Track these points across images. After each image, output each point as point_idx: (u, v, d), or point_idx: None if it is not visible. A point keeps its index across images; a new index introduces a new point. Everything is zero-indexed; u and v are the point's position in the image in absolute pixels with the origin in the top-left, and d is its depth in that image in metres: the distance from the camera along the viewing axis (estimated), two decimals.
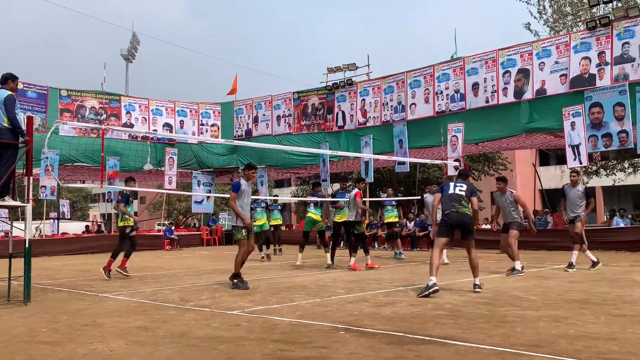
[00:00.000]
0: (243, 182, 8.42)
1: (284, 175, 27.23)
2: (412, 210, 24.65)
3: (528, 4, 20.44)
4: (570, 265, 10.04)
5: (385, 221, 15.75)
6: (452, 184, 7.76)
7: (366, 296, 7.02)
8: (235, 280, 8.18)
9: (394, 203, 15.79)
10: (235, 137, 21.80)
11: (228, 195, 9.31)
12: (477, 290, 7.20)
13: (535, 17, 20.46)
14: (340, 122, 19.56)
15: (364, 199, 12.69)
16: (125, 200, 10.66)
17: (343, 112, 19.54)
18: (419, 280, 8.75)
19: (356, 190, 11.32)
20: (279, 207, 16.61)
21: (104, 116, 20.15)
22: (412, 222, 18.58)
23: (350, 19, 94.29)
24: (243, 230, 8.19)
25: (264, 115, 21.51)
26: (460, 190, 7.60)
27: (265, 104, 21.54)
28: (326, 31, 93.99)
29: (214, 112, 22.39)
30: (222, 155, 22.18)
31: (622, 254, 13.36)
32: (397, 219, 15.58)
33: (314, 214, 13.14)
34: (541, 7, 20.22)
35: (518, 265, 9.45)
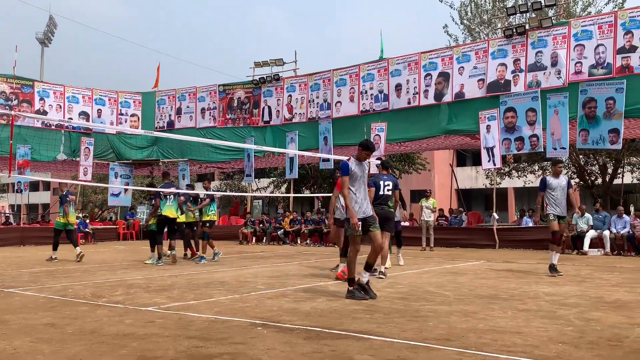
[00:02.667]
0: (354, 162, 6.55)
1: (208, 170, 26.80)
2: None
3: (451, 7, 21.14)
4: (553, 269, 8.64)
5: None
6: (382, 184, 8.16)
7: (286, 292, 7.02)
8: (351, 288, 6.34)
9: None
10: (156, 128, 21.18)
11: (145, 189, 8.98)
12: (381, 276, 8.12)
13: (455, 22, 21.19)
14: (266, 117, 19.48)
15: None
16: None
17: (269, 107, 19.48)
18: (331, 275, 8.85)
19: None
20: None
21: (15, 102, 19.00)
22: None
23: (278, 13, 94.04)
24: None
25: (187, 107, 21.04)
26: (388, 190, 8.20)
27: (189, 95, 21.08)
28: (254, 25, 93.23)
29: (134, 102, 21.65)
30: (141, 147, 21.48)
31: (529, 252, 14.13)
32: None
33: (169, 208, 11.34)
34: (462, 12, 20.95)
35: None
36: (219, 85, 20.56)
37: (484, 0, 20.49)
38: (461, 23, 20.94)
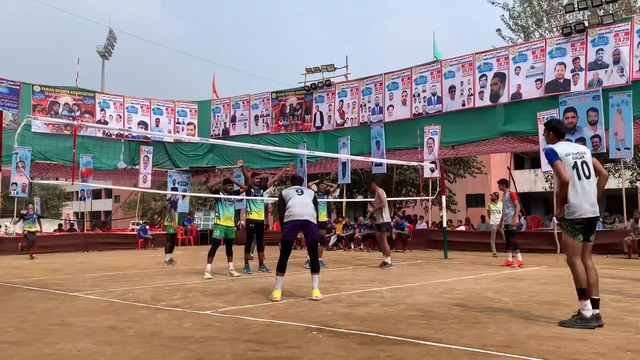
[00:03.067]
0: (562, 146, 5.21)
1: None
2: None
3: (504, 9, 20.63)
4: None
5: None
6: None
7: (340, 297, 7.00)
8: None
9: (325, 199, 12.81)
10: (212, 136, 21.65)
11: (204, 195, 9.04)
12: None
13: (506, 23, 20.64)
14: (318, 123, 19.57)
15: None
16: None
17: (321, 113, 19.56)
18: (394, 281, 8.77)
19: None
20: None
21: (78, 113, 19.84)
22: None
23: (328, 19, 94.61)
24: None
25: (241, 114, 21.40)
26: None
27: (243, 103, 21.43)
28: (304, 32, 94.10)
29: (190, 111, 22.20)
30: (198, 154, 21.98)
31: (595, 257, 13.56)
32: (326, 218, 13.16)
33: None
34: (515, 13, 20.41)
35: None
36: (272, 93, 20.81)
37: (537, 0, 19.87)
38: (514, 25, 20.38)
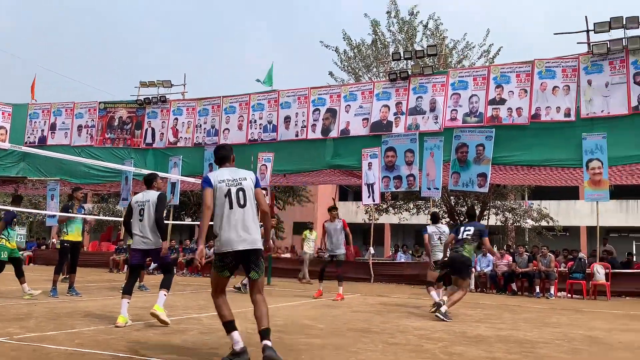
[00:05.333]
0: None
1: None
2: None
3: (336, 52, 21.62)
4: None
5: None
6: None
7: (155, 323, 6.67)
8: None
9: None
10: (25, 143, 19.60)
11: (8, 208, 8.23)
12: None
13: (337, 64, 21.72)
14: (148, 139, 18.78)
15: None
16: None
17: (153, 129, 18.83)
18: (212, 307, 8.58)
19: None
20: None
21: None
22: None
23: (167, 35, 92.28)
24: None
25: (63, 123, 19.75)
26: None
27: (66, 111, 19.83)
28: (141, 44, 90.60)
29: (3, 113, 19.94)
30: (7, 162, 19.72)
31: (402, 286, 14.68)
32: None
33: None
34: (346, 56, 21.56)
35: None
36: (100, 103, 19.56)
37: (366, 47, 21.23)
38: (343, 69, 21.55)
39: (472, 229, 8.41)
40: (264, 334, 4.62)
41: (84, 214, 10.83)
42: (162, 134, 18.65)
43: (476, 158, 13.97)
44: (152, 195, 6.89)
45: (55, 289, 9.67)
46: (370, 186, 15.36)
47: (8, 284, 11.40)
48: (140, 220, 6.76)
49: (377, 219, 22.59)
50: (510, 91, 13.94)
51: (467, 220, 9.19)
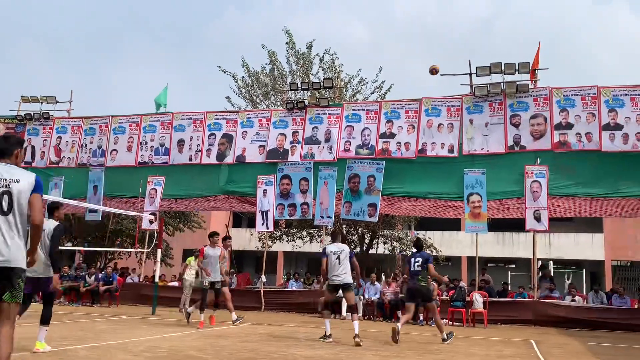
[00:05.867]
0: None
1: None
2: (99, 263, 23.12)
3: (234, 78, 21.57)
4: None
5: None
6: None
7: (26, 356, 6.12)
8: None
9: None
10: None
11: None
12: None
13: (234, 90, 21.69)
14: (28, 158, 17.51)
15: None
16: None
17: (33, 147, 17.63)
18: (92, 338, 8.06)
19: None
20: None
21: None
22: (93, 276, 17.14)
23: (54, 47, 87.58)
24: None
25: None
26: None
27: None
28: (24, 56, 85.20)
29: None
30: None
31: (293, 315, 14.62)
32: None
33: None
34: (243, 83, 21.59)
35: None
36: None
37: (264, 75, 21.40)
38: (241, 95, 21.54)
39: (420, 259, 9.24)
40: None
41: None
42: (44, 152, 17.50)
43: (367, 188, 14.41)
44: (49, 225, 6.69)
45: None
46: (264, 213, 15.30)
47: None
48: None
49: (270, 247, 22.50)
50: (399, 126, 14.60)
51: (416, 251, 9.71)
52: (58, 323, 10.45)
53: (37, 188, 4.16)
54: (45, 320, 6.67)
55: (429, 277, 9.46)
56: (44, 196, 15.24)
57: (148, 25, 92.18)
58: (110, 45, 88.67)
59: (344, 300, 12.26)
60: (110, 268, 17.97)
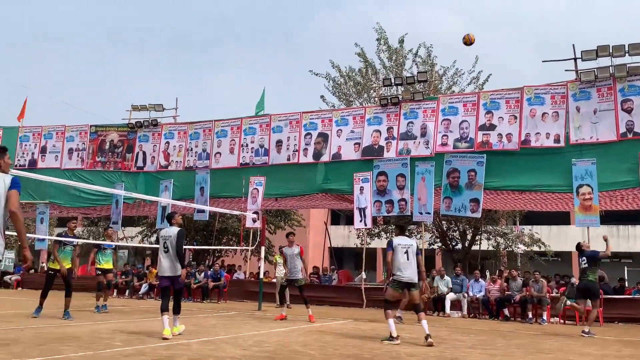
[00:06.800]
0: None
1: (70, 214, 24.95)
2: (207, 261, 24.24)
3: (326, 78, 21.75)
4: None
5: (101, 267, 12.61)
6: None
7: (145, 349, 6.56)
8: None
9: (113, 247, 13.02)
10: (15, 166, 19.49)
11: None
12: None
13: (328, 89, 21.86)
14: (139, 163, 18.73)
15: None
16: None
17: (144, 153, 18.80)
18: (205, 333, 8.50)
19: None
20: (112, 247, 13.02)
21: None
22: (203, 273, 18.13)
23: (160, 59, 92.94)
24: None
25: (53, 146, 19.69)
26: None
27: (57, 134, 19.79)
28: (132, 68, 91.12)
29: None
30: None
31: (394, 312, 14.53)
32: (112, 266, 12.85)
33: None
34: (335, 83, 21.69)
35: None
36: (91, 126, 19.54)
37: (355, 73, 21.35)
38: (334, 94, 21.67)
39: (585, 258, 10.43)
40: None
41: (75, 245, 11.18)
42: (154, 157, 18.62)
43: (468, 183, 14.03)
44: (173, 230, 8.13)
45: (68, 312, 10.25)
46: (362, 210, 15.34)
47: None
48: (166, 252, 8.02)
49: (369, 244, 22.50)
50: (500, 117, 14.08)
51: (580, 252, 10.69)
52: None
53: (14, 185, 4.84)
54: (177, 310, 8.10)
55: (597, 274, 10.43)
56: (157, 198, 16.24)
57: (243, 32, 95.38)
58: (209, 53, 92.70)
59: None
60: (217, 265, 18.80)
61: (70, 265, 10.70)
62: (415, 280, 8.18)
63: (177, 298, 8.15)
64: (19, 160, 19.81)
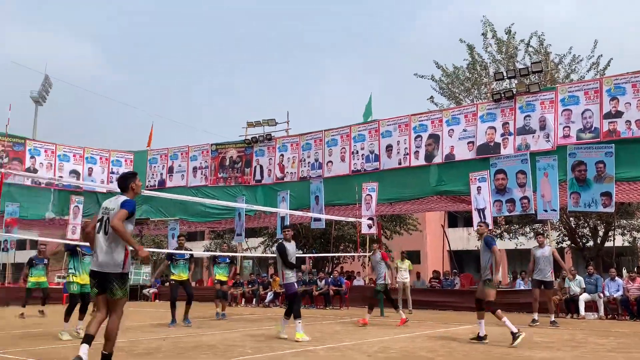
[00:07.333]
0: None
1: (198, 228, 26.55)
2: (326, 268, 24.65)
3: (432, 79, 21.34)
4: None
5: (216, 278, 14.01)
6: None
7: (274, 356, 6.80)
8: None
9: (227, 260, 14.29)
10: (147, 187, 21.11)
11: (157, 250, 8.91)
12: None
13: (436, 90, 21.40)
14: (257, 176, 19.50)
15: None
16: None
17: (261, 167, 19.54)
18: (330, 339, 8.63)
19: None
20: (227, 260, 14.30)
21: (6, 159, 18.97)
22: (324, 280, 18.46)
23: (269, 76, 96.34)
24: None
25: (179, 165, 21.06)
26: None
27: (181, 154, 21.16)
28: (245, 85, 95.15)
29: (125, 161, 21.65)
30: None
31: (523, 315, 13.87)
32: (226, 278, 14.07)
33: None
34: (443, 84, 21.19)
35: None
36: (212, 145, 20.68)
37: (463, 71, 20.74)
38: (442, 94, 21.19)
39: None
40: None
41: (187, 258, 12.32)
42: (270, 170, 19.30)
43: (597, 176, 13.08)
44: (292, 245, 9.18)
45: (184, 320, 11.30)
46: (480, 211, 14.82)
47: (134, 319, 12.17)
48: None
49: None
50: (627, 103, 13.01)
51: None
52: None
53: (123, 205, 5.47)
54: (297, 315, 8.62)
55: None
56: (275, 209, 16.82)
57: (347, 41, 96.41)
58: (315, 65, 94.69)
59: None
60: (337, 272, 19.06)
61: (187, 277, 12.04)
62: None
63: (293, 304, 8.99)
64: (149, 181, 21.41)
